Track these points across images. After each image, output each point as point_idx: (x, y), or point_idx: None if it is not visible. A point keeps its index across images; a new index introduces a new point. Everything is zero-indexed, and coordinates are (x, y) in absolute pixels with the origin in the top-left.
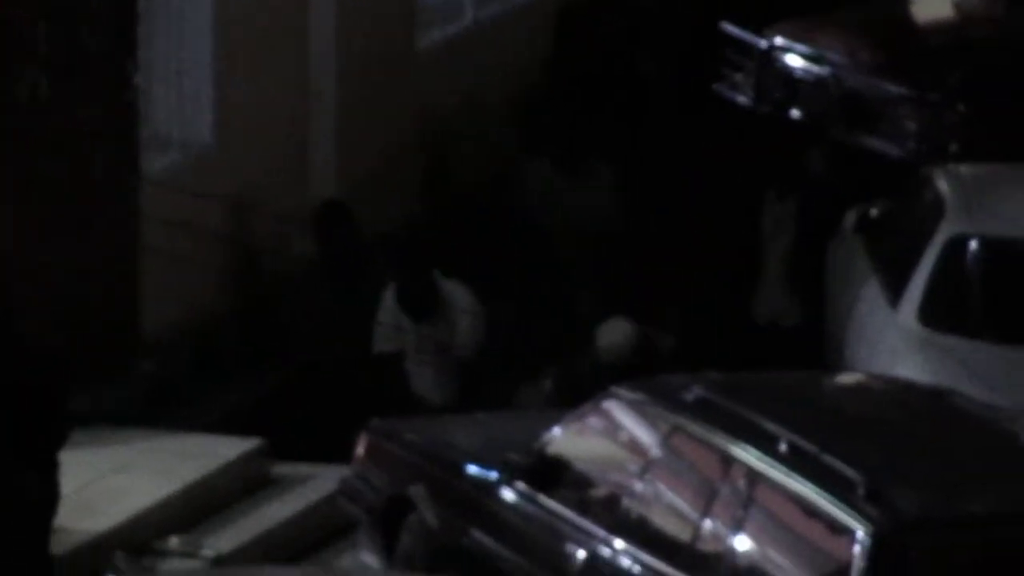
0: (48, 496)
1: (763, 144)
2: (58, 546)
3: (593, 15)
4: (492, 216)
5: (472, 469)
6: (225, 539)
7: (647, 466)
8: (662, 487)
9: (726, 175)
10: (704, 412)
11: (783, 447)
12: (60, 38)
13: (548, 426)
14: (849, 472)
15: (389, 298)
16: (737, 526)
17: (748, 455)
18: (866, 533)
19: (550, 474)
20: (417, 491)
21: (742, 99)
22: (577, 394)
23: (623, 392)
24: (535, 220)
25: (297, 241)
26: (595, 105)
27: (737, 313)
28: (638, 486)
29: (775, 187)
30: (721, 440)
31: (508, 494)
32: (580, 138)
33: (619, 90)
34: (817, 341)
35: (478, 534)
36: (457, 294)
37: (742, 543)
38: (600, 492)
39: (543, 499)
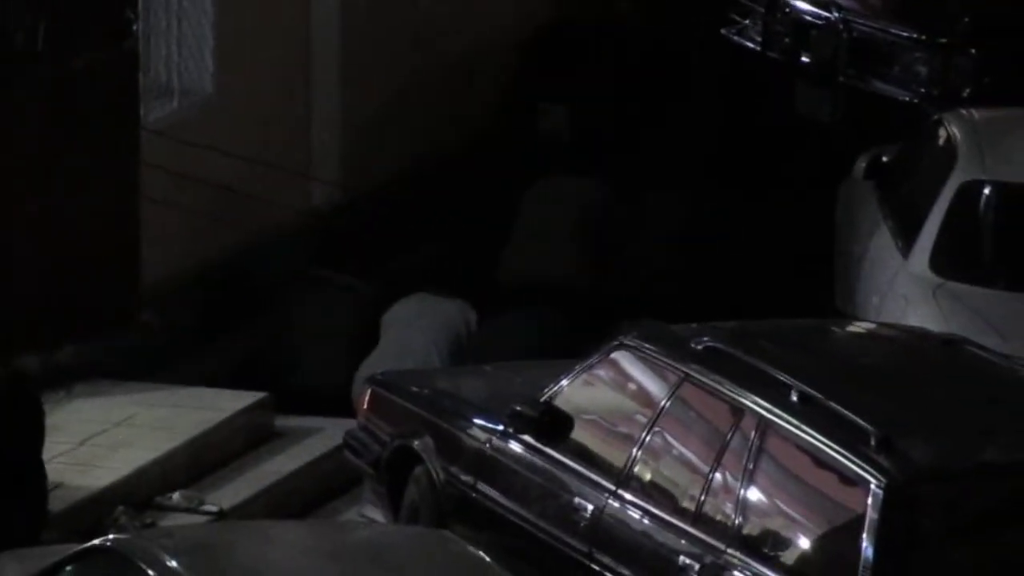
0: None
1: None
2: (58, 501)
3: None
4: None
5: (479, 421)
6: (228, 494)
7: (656, 417)
8: (671, 438)
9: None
10: (714, 361)
11: (794, 397)
12: None
13: (555, 377)
14: (861, 422)
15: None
16: (748, 478)
17: (759, 405)
18: (879, 484)
19: (557, 426)
20: (423, 444)
21: (750, 44)
22: None
23: (631, 342)
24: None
25: (297, 192)
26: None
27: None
28: (647, 437)
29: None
30: (731, 390)
31: (515, 446)
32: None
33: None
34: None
35: (485, 487)
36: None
37: (753, 495)
38: (608, 444)
39: (550, 451)
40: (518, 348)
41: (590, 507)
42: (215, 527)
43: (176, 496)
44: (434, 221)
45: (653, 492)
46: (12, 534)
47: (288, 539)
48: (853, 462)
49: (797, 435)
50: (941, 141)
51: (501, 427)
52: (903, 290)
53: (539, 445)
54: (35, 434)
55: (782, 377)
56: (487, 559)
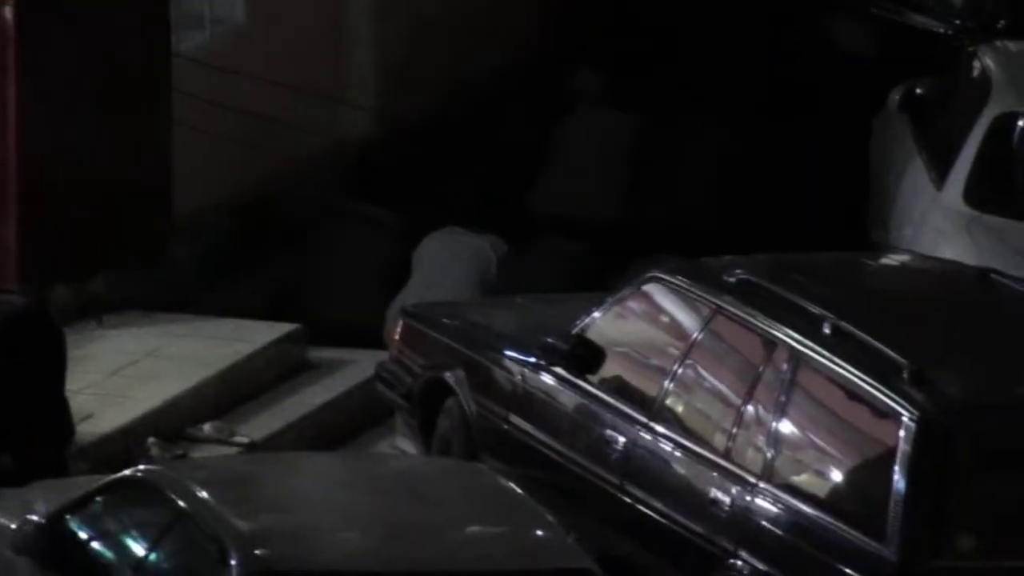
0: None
1: None
2: (89, 433)
3: None
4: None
5: (510, 353)
6: (259, 425)
7: (688, 350)
8: (703, 371)
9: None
10: (747, 294)
11: (827, 329)
12: None
13: (587, 309)
14: (894, 355)
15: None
16: (780, 411)
17: (791, 338)
18: (912, 417)
19: (589, 358)
20: (455, 376)
21: None
22: None
23: (664, 275)
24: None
25: (330, 121)
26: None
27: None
28: (679, 370)
29: None
30: (763, 322)
31: (547, 378)
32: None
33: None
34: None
35: (516, 419)
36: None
37: (785, 428)
38: (640, 376)
39: (582, 383)
40: (548, 281)
41: (622, 440)
42: (246, 459)
43: (207, 428)
44: (466, 153)
45: (685, 425)
46: (39, 464)
47: (320, 471)
48: (886, 395)
49: (830, 368)
50: (975, 74)
51: (533, 359)
52: (937, 223)
53: (571, 377)
54: (57, 363)
55: (815, 310)
56: (519, 491)
